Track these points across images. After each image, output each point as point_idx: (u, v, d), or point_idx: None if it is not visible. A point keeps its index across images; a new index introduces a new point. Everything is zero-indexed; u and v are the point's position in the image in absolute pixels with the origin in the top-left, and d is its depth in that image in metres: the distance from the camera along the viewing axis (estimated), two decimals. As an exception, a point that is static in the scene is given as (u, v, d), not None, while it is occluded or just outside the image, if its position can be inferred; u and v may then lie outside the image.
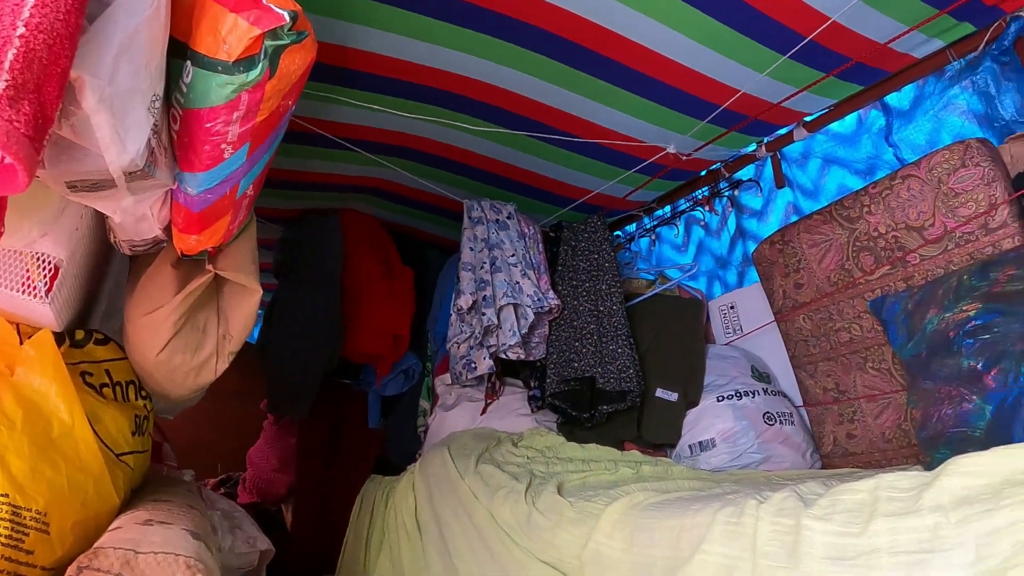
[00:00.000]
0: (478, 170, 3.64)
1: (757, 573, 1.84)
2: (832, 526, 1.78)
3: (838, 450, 3.30)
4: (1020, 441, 2.17)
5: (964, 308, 2.48)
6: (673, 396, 3.58)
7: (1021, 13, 2.80)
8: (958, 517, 1.60)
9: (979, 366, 2.37)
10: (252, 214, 2.50)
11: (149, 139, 1.66)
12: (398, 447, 4.12)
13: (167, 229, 2.17)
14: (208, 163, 1.88)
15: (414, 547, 3.22)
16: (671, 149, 3.41)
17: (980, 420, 2.34)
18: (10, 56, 1.20)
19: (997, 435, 2.26)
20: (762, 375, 3.65)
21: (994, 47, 2.91)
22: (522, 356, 3.54)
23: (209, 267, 2.36)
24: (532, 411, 3.75)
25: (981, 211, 2.69)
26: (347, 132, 3.22)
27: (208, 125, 1.75)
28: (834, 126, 3.50)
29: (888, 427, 3.09)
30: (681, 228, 4.31)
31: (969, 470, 1.68)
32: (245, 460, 5.38)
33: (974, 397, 2.37)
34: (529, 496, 2.69)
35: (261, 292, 2.53)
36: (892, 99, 3.29)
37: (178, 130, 1.79)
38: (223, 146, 1.83)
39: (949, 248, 2.79)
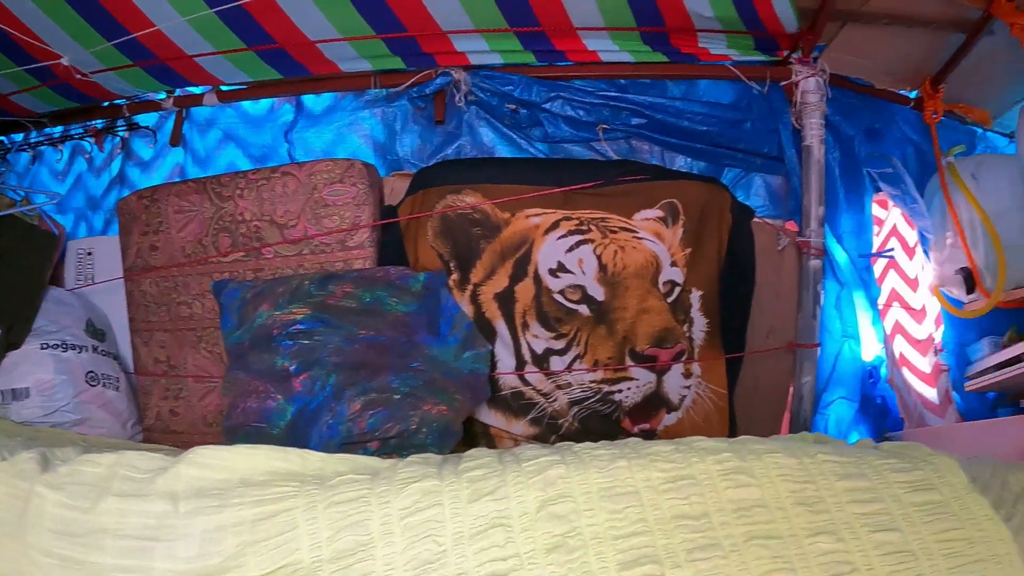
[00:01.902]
0: None
1: (-15, 538, 1.69)
2: (64, 497, 1.66)
3: (160, 425, 3.28)
4: (314, 447, 2.26)
5: (295, 310, 2.63)
6: (-6, 331, 3.25)
7: (451, 71, 3.07)
8: (188, 508, 1.59)
9: (292, 368, 2.51)
10: None
11: None
12: None
13: None
14: None
15: None
16: (65, 61, 3.12)
17: (281, 419, 2.48)
18: None
19: (294, 437, 2.38)
20: (98, 331, 3.47)
21: (415, 91, 3.14)
22: None
23: None
24: None
25: (343, 227, 2.86)
26: None
27: None
28: (247, 104, 3.52)
29: (211, 411, 3.14)
30: (65, 155, 4.01)
31: (209, 462, 1.68)
32: None
33: (279, 396, 2.50)
34: None
35: None
36: (308, 99, 3.40)
37: None
38: None
39: (304, 252, 2.93)
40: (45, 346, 3.25)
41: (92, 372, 3.26)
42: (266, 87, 3.32)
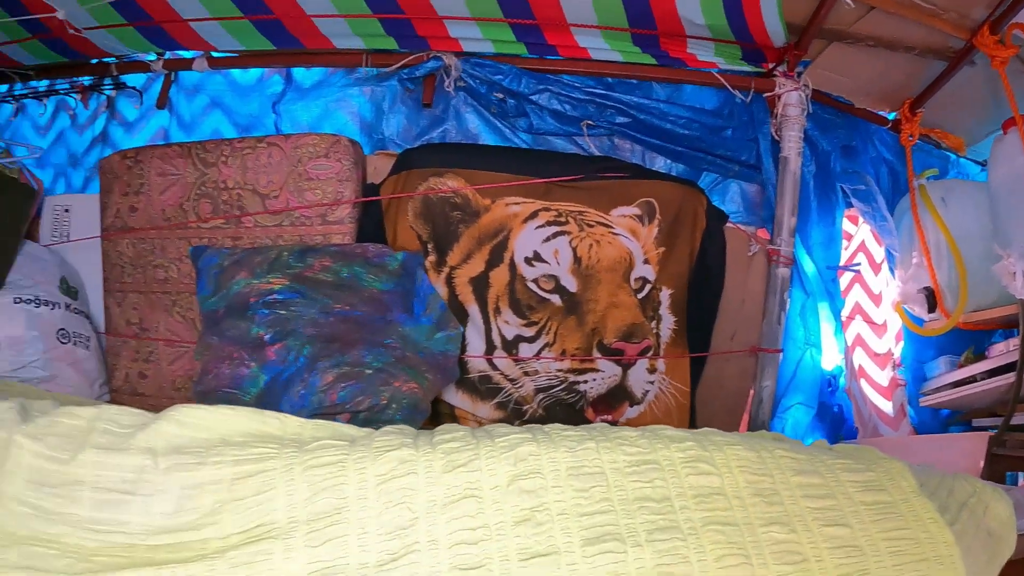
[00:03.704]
0: None
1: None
2: (42, 448, 1.66)
3: (128, 387, 3.28)
4: (286, 416, 2.31)
5: (272, 280, 2.65)
6: (-33, 284, 3.24)
7: (443, 56, 3.11)
8: (167, 464, 1.61)
9: (266, 337, 2.53)
10: None
11: None
12: None
13: None
14: None
15: None
16: (60, 15, 3.11)
17: (253, 387, 2.50)
18: None
19: (266, 405, 2.37)
20: (71, 289, 3.46)
21: (406, 72, 3.18)
22: None
23: None
24: None
25: (325, 202, 2.90)
26: None
27: None
28: (236, 72, 3.53)
29: (179, 375, 3.16)
30: (49, 109, 3.99)
31: (189, 420, 1.70)
32: None
33: (253, 364, 2.52)
34: None
35: None
36: (298, 72, 3.42)
37: None
38: None
39: (284, 224, 2.97)
40: (18, 300, 3.21)
41: (63, 329, 3.24)
42: (257, 57, 3.35)
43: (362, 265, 2.71)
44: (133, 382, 3.26)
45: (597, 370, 2.82)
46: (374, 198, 2.93)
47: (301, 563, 1.49)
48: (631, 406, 2.89)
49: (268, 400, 2.43)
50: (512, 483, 1.57)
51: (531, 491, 1.56)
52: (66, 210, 3.70)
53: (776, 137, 3.22)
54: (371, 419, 2.34)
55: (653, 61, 3.16)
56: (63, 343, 3.21)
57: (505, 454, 1.61)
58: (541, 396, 2.83)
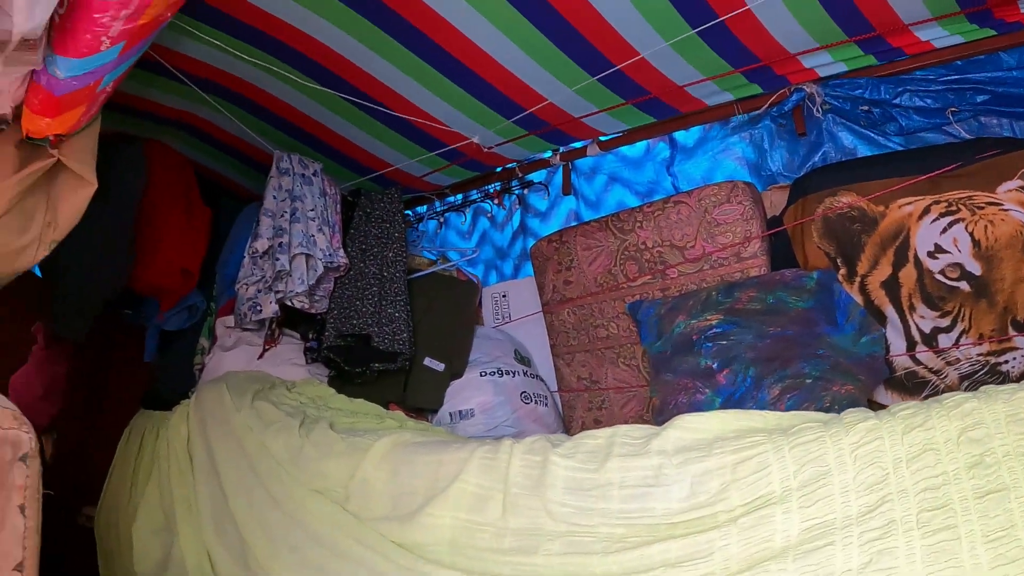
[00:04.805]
0: (293, 125, 3.83)
1: (508, 500, 2.27)
2: (574, 463, 2.23)
3: None
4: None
5: (708, 318, 3.04)
6: (440, 366, 3.93)
7: (803, 87, 3.37)
8: (679, 460, 2.08)
9: (714, 366, 2.94)
10: (99, 112, 2.64)
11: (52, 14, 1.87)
12: (172, 383, 4.20)
13: (15, 108, 2.33)
14: (84, 51, 2.07)
15: (184, 476, 3.41)
16: (475, 139, 3.75)
17: (710, 409, 2.82)
18: None
19: None
20: (524, 359, 4.09)
21: (775, 110, 3.46)
22: (306, 306, 3.76)
23: (53, 152, 2.50)
24: (307, 362, 3.96)
25: (736, 242, 3.27)
26: (176, 61, 3.28)
27: (96, 16, 1.96)
28: (624, 149, 4.01)
29: (631, 416, 3.60)
30: (469, 217, 4.69)
31: (690, 425, 2.17)
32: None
33: (707, 390, 2.92)
34: (302, 431, 2.96)
35: (96, 185, 2.64)
36: (679, 135, 3.84)
37: (63, 14, 1.99)
38: (103, 38, 2.04)
39: (704, 268, 3.36)
40: (483, 373, 3.89)
41: (525, 392, 3.85)
42: (640, 131, 3.76)
43: (783, 290, 3.01)
44: (589, 428, 3.60)
45: (1016, 348, 2.85)
46: (779, 228, 3.22)
47: (797, 521, 1.88)
48: (1055, 380, 2.83)
49: (724, 418, 2.83)
50: (962, 435, 1.84)
51: (978, 440, 1.81)
52: (503, 296, 4.36)
53: None
54: (819, 421, 2.67)
55: (993, 32, 3.14)
56: (526, 403, 3.81)
57: (952, 412, 1.87)
58: (966, 384, 2.91)
